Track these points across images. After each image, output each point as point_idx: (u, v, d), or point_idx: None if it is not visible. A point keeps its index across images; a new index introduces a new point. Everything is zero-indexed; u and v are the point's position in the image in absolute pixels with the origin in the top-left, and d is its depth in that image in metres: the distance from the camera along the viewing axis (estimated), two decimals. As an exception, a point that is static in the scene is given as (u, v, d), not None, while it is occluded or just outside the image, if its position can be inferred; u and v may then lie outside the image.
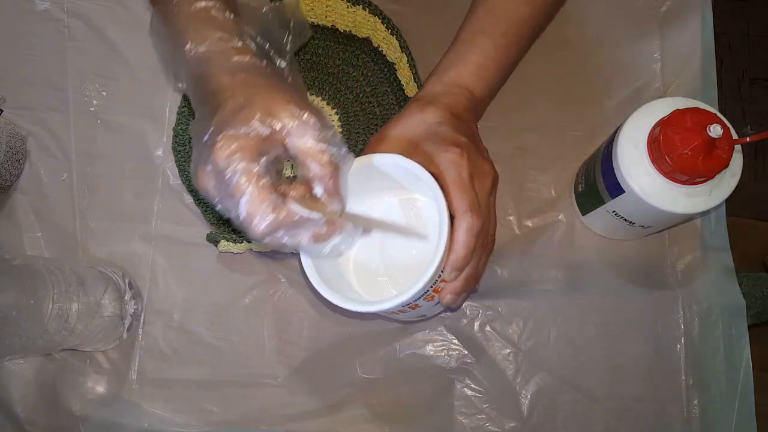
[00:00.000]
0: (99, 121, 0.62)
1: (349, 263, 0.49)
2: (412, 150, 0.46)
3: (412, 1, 0.63)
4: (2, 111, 0.58)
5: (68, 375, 0.57)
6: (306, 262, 0.44)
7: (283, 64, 0.45)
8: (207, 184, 0.39)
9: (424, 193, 0.47)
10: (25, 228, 0.59)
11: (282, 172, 0.41)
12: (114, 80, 0.63)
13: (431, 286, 0.43)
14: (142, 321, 0.58)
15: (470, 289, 0.46)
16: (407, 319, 0.55)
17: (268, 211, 0.38)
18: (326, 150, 0.39)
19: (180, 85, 0.45)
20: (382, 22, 0.59)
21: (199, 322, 0.58)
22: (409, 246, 0.48)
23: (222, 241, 0.56)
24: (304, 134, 0.39)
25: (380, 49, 0.61)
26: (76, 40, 0.63)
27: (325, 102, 0.61)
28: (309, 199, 0.40)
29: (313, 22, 0.62)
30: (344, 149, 0.40)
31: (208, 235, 0.57)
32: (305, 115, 0.39)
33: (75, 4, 0.64)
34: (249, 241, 0.55)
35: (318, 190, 0.40)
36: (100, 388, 0.57)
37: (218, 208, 0.39)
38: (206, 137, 0.38)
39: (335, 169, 0.40)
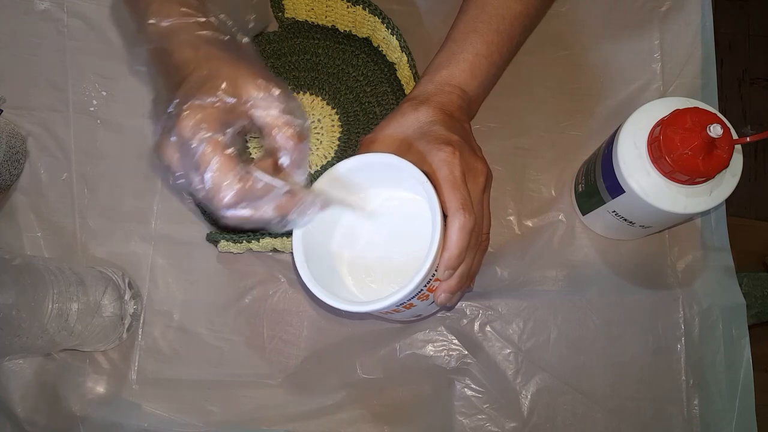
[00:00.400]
0: (99, 121, 0.62)
1: (343, 263, 0.49)
2: (405, 149, 0.46)
3: (412, 1, 0.63)
4: (2, 111, 0.58)
5: (68, 375, 0.57)
6: (299, 261, 0.44)
7: (246, 40, 0.45)
8: (171, 156, 0.39)
9: (417, 192, 0.47)
10: (25, 228, 0.59)
11: (246, 147, 0.41)
12: (114, 80, 0.62)
13: (425, 285, 0.43)
14: (141, 321, 0.58)
15: (465, 287, 0.46)
16: (403, 319, 0.55)
17: (235, 180, 0.37)
18: (291, 122, 0.39)
19: (138, 68, 0.45)
20: (382, 22, 0.58)
21: (199, 322, 0.58)
22: (403, 245, 0.48)
23: (222, 241, 0.56)
24: (270, 106, 0.39)
25: (380, 49, 0.60)
26: (76, 40, 0.63)
27: (325, 102, 0.61)
28: (273, 171, 0.40)
29: (313, 22, 0.62)
30: (308, 122, 0.41)
31: (208, 235, 0.57)
32: (271, 87, 0.39)
33: (75, 4, 0.64)
34: (249, 242, 0.55)
35: (284, 159, 0.40)
36: (100, 389, 0.57)
37: (179, 182, 0.39)
38: (171, 107, 0.38)
39: (299, 141, 0.40)
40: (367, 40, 0.61)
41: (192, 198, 0.39)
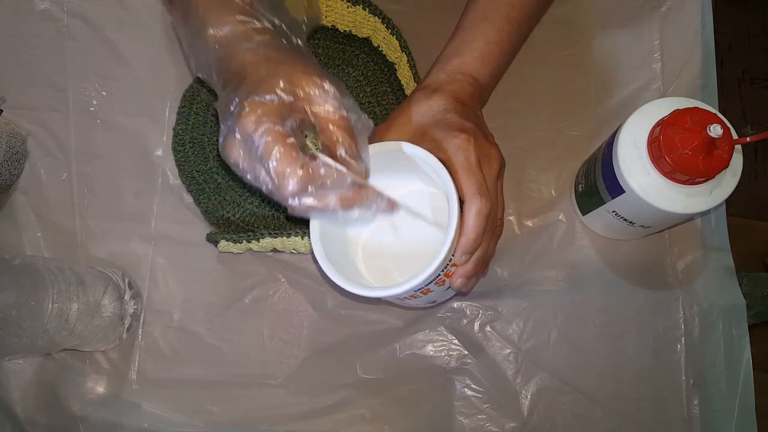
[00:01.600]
0: (99, 121, 0.62)
1: (358, 250, 0.49)
2: (420, 137, 0.46)
3: (412, 1, 0.63)
4: (2, 111, 0.58)
5: (68, 375, 0.57)
6: (316, 248, 0.44)
7: (300, 42, 0.46)
8: (235, 154, 0.40)
9: (432, 178, 0.47)
10: (25, 228, 0.59)
11: (305, 143, 0.42)
12: (114, 80, 0.63)
13: (442, 270, 0.43)
14: (141, 321, 0.58)
15: (480, 272, 0.47)
16: (419, 305, 0.55)
17: (297, 167, 0.38)
18: (346, 117, 0.40)
19: (200, 75, 0.46)
20: (382, 22, 0.58)
21: (199, 322, 0.58)
22: (418, 232, 0.48)
23: (222, 241, 0.56)
24: (325, 101, 0.40)
25: (380, 49, 0.60)
26: (76, 40, 0.63)
27: (325, 102, 0.61)
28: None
29: (313, 22, 0.62)
30: (363, 116, 0.42)
31: (208, 235, 0.57)
32: (326, 84, 0.40)
33: (75, 3, 0.64)
34: (249, 241, 0.55)
35: (341, 152, 0.41)
36: (100, 388, 0.57)
37: (248, 179, 0.40)
38: (233, 107, 0.40)
39: (355, 135, 0.41)
40: (367, 40, 0.61)
41: (262, 194, 0.40)
